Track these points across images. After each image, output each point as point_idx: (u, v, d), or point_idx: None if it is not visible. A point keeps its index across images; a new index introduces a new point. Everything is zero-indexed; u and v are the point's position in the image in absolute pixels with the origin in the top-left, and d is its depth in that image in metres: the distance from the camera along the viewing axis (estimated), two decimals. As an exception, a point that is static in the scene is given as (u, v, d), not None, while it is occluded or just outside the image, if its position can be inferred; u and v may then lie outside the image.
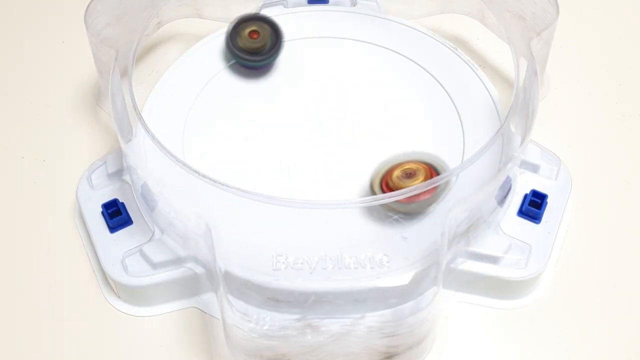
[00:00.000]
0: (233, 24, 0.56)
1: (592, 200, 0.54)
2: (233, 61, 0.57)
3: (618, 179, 0.55)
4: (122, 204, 0.50)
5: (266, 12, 0.60)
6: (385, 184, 0.47)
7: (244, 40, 0.55)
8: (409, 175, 0.46)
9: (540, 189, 0.51)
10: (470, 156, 0.46)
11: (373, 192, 0.47)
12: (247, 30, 0.56)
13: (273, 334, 0.43)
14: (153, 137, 0.47)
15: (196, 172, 0.45)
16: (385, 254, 0.46)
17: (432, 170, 0.47)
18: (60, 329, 0.49)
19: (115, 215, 0.50)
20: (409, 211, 0.47)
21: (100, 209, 0.50)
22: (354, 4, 0.61)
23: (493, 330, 0.49)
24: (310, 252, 0.46)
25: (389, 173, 0.47)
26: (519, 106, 0.49)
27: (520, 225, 0.50)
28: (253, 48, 0.55)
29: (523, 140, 0.48)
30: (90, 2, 0.52)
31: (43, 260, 0.52)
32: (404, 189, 0.44)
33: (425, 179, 0.46)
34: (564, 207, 0.51)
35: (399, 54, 0.58)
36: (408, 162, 0.47)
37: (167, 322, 0.49)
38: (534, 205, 0.50)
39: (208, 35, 0.59)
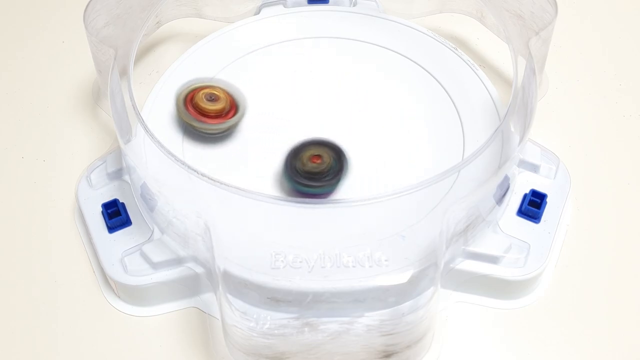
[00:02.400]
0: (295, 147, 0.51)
1: (592, 199, 0.54)
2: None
3: (617, 178, 0.55)
4: (122, 204, 0.50)
5: (266, 12, 0.60)
6: (190, 101, 0.51)
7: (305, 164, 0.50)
8: (213, 99, 0.51)
9: (540, 188, 0.51)
10: (470, 154, 0.46)
11: (177, 107, 0.51)
12: (308, 154, 0.50)
13: (272, 332, 0.43)
14: (153, 137, 0.47)
15: (195, 171, 0.45)
16: (384, 253, 0.46)
17: (232, 98, 0.51)
18: (60, 329, 0.49)
19: (115, 215, 0.50)
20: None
21: (100, 209, 0.50)
22: (353, 4, 0.61)
23: (492, 330, 0.49)
24: (309, 251, 0.46)
25: (194, 92, 0.51)
26: (518, 105, 0.49)
27: (519, 225, 0.50)
28: (314, 172, 0.50)
29: (522, 139, 0.48)
30: (90, 2, 0.52)
31: (43, 260, 0.52)
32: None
33: (226, 104, 0.51)
34: (563, 206, 0.51)
35: (399, 54, 0.58)
36: (212, 86, 0.52)
37: (167, 322, 0.49)
38: (533, 205, 0.50)
39: (208, 35, 0.59)
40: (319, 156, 0.50)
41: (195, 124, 0.51)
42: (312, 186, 0.49)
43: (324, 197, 0.49)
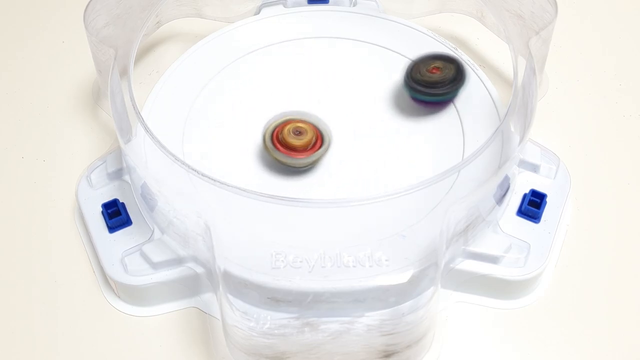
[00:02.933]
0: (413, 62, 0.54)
1: (592, 199, 0.54)
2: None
3: (617, 178, 0.55)
4: (122, 204, 0.50)
5: (266, 12, 0.60)
6: (276, 137, 0.50)
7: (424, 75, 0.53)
8: (299, 133, 0.50)
9: (540, 188, 0.51)
10: (470, 154, 0.46)
11: (264, 143, 0.51)
12: (430, 66, 0.53)
13: (272, 332, 0.43)
14: (153, 137, 0.47)
15: (196, 171, 0.45)
16: (384, 253, 0.46)
17: (317, 130, 0.51)
18: (60, 329, 0.49)
19: (115, 215, 0.50)
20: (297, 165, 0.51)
21: (100, 209, 0.50)
22: (353, 4, 0.61)
23: (492, 330, 0.49)
24: (309, 251, 0.46)
25: (279, 128, 0.51)
26: (518, 105, 0.49)
27: (519, 225, 0.50)
28: (433, 81, 0.53)
29: (522, 139, 0.48)
30: (90, 2, 0.52)
31: (43, 260, 0.52)
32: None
33: (312, 136, 0.50)
34: (563, 206, 0.51)
35: (399, 54, 0.58)
36: (296, 120, 0.51)
37: (167, 322, 0.49)
38: (533, 205, 0.50)
39: (208, 35, 0.59)
40: (437, 68, 0.53)
41: (284, 159, 0.51)
42: (432, 94, 0.53)
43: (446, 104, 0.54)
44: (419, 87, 0.53)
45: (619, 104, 0.59)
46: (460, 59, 0.54)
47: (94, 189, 0.51)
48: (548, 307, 0.49)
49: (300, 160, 0.50)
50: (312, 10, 0.61)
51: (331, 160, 0.52)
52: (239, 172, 0.51)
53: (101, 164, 0.52)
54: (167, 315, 0.49)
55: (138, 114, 0.48)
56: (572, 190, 0.52)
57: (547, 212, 0.50)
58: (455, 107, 0.54)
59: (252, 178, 0.51)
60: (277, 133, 0.51)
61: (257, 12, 0.61)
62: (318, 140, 0.51)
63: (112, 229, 0.50)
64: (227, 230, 0.45)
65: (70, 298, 0.50)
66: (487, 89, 0.55)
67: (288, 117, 0.51)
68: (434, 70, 0.53)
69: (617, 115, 0.58)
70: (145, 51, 0.61)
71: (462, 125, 0.53)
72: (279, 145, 0.50)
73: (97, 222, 0.50)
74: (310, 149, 0.51)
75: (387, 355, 0.45)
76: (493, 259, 0.48)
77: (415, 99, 0.54)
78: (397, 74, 0.56)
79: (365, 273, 0.45)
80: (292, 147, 0.50)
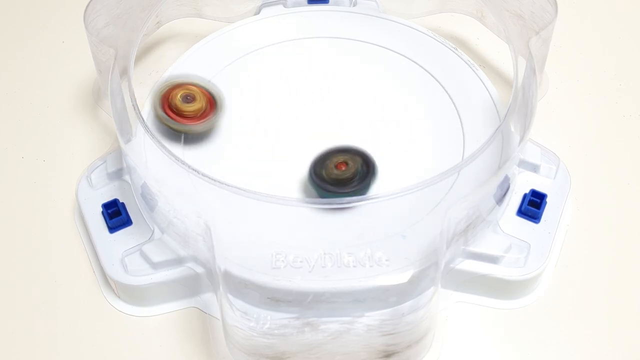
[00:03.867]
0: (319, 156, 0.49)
1: (592, 199, 0.54)
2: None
3: (617, 178, 0.55)
4: (122, 204, 0.50)
5: (266, 12, 0.60)
6: (167, 104, 0.50)
7: (331, 171, 0.49)
8: (189, 99, 0.51)
9: (540, 188, 0.51)
10: (470, 154, 0.46)
11: (155, 113, 0.50)
12: (334, 161, 0.49)
13: (272, 332, 0.43)
14: (153, 137, 0.47)
15: (196, 171, 0.45)
16: (384, 253, 0.46)
17: (209, 95, 0.51)
18: (60, 329, 0.49)
19: (115, 215, 0.50)
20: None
21: (100, 209, 0.50)
22: (353, 4, 0.61)
23: (492, 330, 0.49)
24: (310, 251, 0.46)
25: (168, 93, 0.51)
26: (518, 105, 0.49)
27: (519, 225, 0.50)
28: (341, 178, 0.49)
29: (522, 139, 0.48)
30: (90, 2, 0.52)
31: (43, 260, 0.52)
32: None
33: (204, 103, 0.51)
34: (563, 206, 0.51)
35: (399, 54, 0.58)
36: (186, 84, 0.51)
37: (167, 322, 0.49)
38: (533, 205, 0.50)
39: (208, 35, 0.59)
40: (344, 163, 0.49)
41: (173, 125, 0.51)
42: (340, 193, 0.48)
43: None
44: (327, 186, 0.48)
45: (619, 104, 0.59)
46: (365, 152, 0.49)
47: (94, 189, 0.51)
48: (548, 307, 0.49)
49: (193, 127, 0.51)
50: (312, 10, 0.61)
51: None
52: (239, 172, 0.51)
53: (101, 164, 0.52)
54: (167, 315, 0.49)
55: (138, 114, 0.48)
56: (572, 190, 0.52)
57: (547, 212, 0.50)
58: (455, 107, 0.54)
59: (252, 177, 0.51)
60: (167, 99, 0.51)
61: (257, 12, 0.61)
62: (210, 107, 0.51)
63: (112, 229, 0.50)
64: (227, 230, 0.45)
65: (70, 298, 0.50)
66: (487, 89, 0.55)
67: (177, 81, 0.51)
68: (340, 166, 0.49)
69: (617, 115, 0.58)
70: (145, 51, 0.61)
71: (462, 125, 0.53)
72: (169, 112, 0.50)
73: (97, 222, 0.50)
74: (202, 115, 0.51)
75: (387, 355, 0.45)
76: (493, 259, 0.48)
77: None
78: (397, 74, 0.57)
79: (365, 273, 0.45)
80: (182, 113, 0.50)
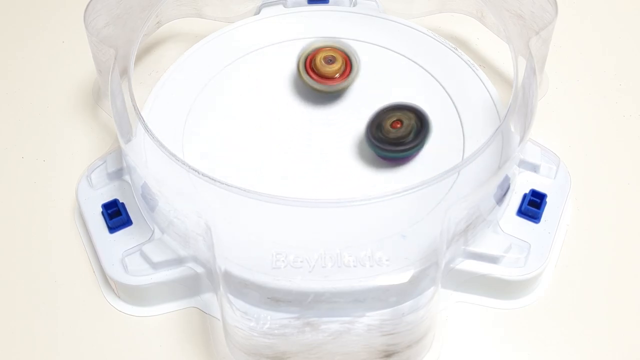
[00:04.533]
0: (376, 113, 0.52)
1: (592, 199, 0.54)
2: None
3: (617, 178, 0.55)
4: (122, 204, 0.50)
5: (266, 12, 0.60)
6: (310, 66, 0.54)
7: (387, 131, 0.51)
8: (330, 60, 0.54)
9: (540, 188, 0.51)
10: (470, 154, 0.46)
11: (298, 72, 0.54)
12: (390, 120, 0.51)
13: (273, 332, 0.43)
14: (153, 137, 0.47)
15: (196, 171, 0.45)
16: (385, 253, 0.46)
17: (346, 56, 0.54)
18: (60, 329, 0.49)
19: (115, 215, 0.50)
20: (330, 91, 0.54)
21: (100, 209, 0.50)
22: (353, 4, 0.61)
23: (492, 330, 0.49)
24: (310, 251, 0.46)
25: (311, 56, 0.54)
26: (518, 105, 0.49)
27: (519, 225, 0.50)
28: (396, 137, 0.50)
29: (522, 139, 0.48)
30: (90, 2, 0.52)
31: (43, 260, 0.52)
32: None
33: (343, 64, 0.54)
34: (563, 206, 0.51)
35: (399, 54, 0.58)
36: (327, 47, 0.54)
37: (167, 322, 0.49)
38: (533, 205, 0.50)
39: (208, 35, 0.59)
40: (399, 121, 0.51)
41: (317, 86, 0.54)
42: (397, 151, 0.51)
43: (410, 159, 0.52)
44: (385, 146, 0.50)
45: (619, 104, 0.59)
46: (419, 107, 0.51)
47: (94, 189, 0.51)
48: (548, 307, 0.49)
49: (333, 86, 0.54)
50: (312, 10, 0.61)
51: (331, 159, 0.52)
52: (239, 172, 0.51)
53: (101, 164, 0.52)
54: (167, 315, 0.49)
55: (138, 114, 0.48)
56: (572, 190, 0.52)
57: (547, 212, 0.50)
58: (455, 107, 0.54)
59: (252, 177, 0.51)
60: (309, 61, 0.54)
61: (257, 12, 0.61)
62: (347, 67, 0.54)
63: (112, 229, 0.50)
64: (227, 230, 0.45)
65: (70, 298, 0.50)
66: (487, 89, 0.55)
67: (319, 45, 0.55)
68: (395, 125, 0.51)
69: (617, 115, 0.58)
70: (145, 51, 0.61)
71: (462, 125, 0.53)
72: (311, 73, 0.54)
73: (97, 222, 0.50)
74: (340, 76, 0.54)
75: (388, 355, 0.45)
76: (493, 259, 0.48)
77: (384, 158, 0.52)
78: (397, 74, 0.57)
79: (365, 273, 0.45)
80: (324, 74, 0.54)
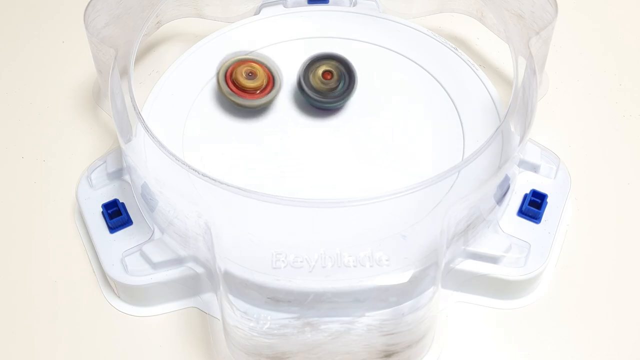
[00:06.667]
0: (306, 63, 0.54)
1: (592, 199, 0.54)
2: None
3: (617, 178, 0.55)
4: (122, 204, 0.50)
5: (266, 12, 0.60)
6: (230, 79, 0.53)
7: (317, 81, 0.53)
8: (251, 75, 0.53)
9: (540, 188, 0.51)
10: (470, 154, 0.46)
11: (217, 83, 0.53)
12: (320, 71, 0.53)
13: (273, 332, 0.43)
14: (153, 137, 0.47)
15: (196, 171, 0.45)
16: (385, 253, 0.46)
17: (268, 71, 0.54)
18: (60, 329, 0.49)
19: (116, 215, 0.50)
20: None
21: (101, 209, 0.50)
22: (353, 4, 0.61)
23: (492, 330, 0.49)
24: (310, 251, 0.46)
25: (232, 68, 0.53)
26: (518, 105, 0.49)
27: (519, 225, 0.50)
28: (326, 89, 0.53)
29: (522, 139, 0.48)
30: (90, 2, 0.52)
31: (43, 260, 0.52)
32: None
33: (264, 79, 0.53)
34: (563, 206, 0.51)
35: (399, 54, 0.58)
36: (249, 61, 0.54)
37: (167, 322, 0.49)
38: (534, 205, 0.50)
39: (208, 35, 0.59)
40: (329, 72, 0.53)
41: (235, 99, 0.53)
42: (326, 102, 0.53)
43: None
44: (313, 95, 0.53)
45: (619, 104, 0.59)
46: (346, 59, 0.54)
47: (94, 189, 0.51)
48: (548, 307, 0.49)
49: (253, 101, 0.53)
50: (312, 10, 0.61)
51: (330, 159, 0.52)
52: (239, 172, 0.51)
53: (101, 164, 0.52)
54: (167, 315, 0.49)
55: (138, 114, 0.48)
56: (572, 190, 0.52)
57: (548, 212, 0.50)
58: (455, 107, 0.54)
59: (252, 177, 0.51)
60: (230, 74, 0.53)
61: (257, 12, 0.61)
62: (269, 83, 0.53)
63: (112, 229, 0.50)
64: (227, 230, 0.45)
65: (70, 298, 0.50)
66: (487, 89, 0.55)
67: (240, 57, 0.54)
68: (326, 76, 0.53)
69: (617, 115, 0.58)
70: (145, 51, 0.61)
71: (462, 125, 0.53)
72: (232, 86, 0.53)
73: (97, 222, 0.50)
74: (262, 91, 0.53)
75: (388, 355, 0.45)
76: (493, 259, 0.48)
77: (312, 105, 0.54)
78: (397, 74, 0.56)
79: (365, 273, 0.45)
80: (245, 88, 0.53)
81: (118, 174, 0.52)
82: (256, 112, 0.54)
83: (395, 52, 0.58)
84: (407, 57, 0.57)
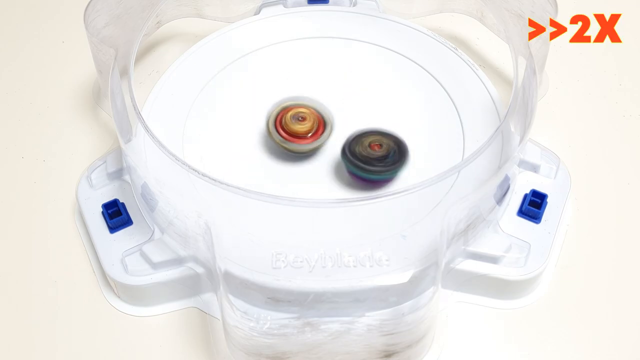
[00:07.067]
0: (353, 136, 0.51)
1: (592, 199, 0.54)
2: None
3: (617, 178, 0.55)
4: (122, 204, 0.50)
5: (266, 12, 0.60)
6: (279, 124, 0.51)
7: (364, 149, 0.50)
8: (300, 118, 0.51)
9: (540, 188, 0.51)
10: (470, 154, 0.46)
11: (268, 131, 0.51)
12: (368, 141, 0.50)
13: (273, 332, 0.43)
14: (153, 137, 0.47)
15: (196, 171, 0.45)
16: (385, 253, 0.46)
17: (318, 115, 0.51)
18: (60, 329, 0.49)
19: (116, 215, 0.50)
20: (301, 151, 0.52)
21: (101, 209, 0.50)
22: (353, 4, 0.61)
23: (492, 330, 0.49)
24: (310, 251, 0.46)
25: (281, 114, 0.51)
26: (518, 105, 0.49)
27: (519, 225, 0.50)
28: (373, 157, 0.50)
29: (522, 139, 0.48)
30: (90, 2, 0.52)
31: (43, 260, 0.52)
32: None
33: (314, 122, 0.51)
34: (563, 206, 0.51)
35: (399, 54, 0.58)
36: (298, 105, 0.52)
37: (167, 322, 0.49)
38: (534, 205, 0.50)
39: (208, 35, 0.59)
40: (379, 144, 0.50)
41: (287, 145, 0.51)
42: (372, 171, 0.49)
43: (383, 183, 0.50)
44: (357, 162, 0.49)
45: (619, 104, 0.59)
46: (398, 136, 0.51)
47: (94, 189, 0.51)
48: (548, 307, 0.49)
49: (304, 146, 0.51)
50: (312, 10, 0.61)
51: (330, 159, 0.52)
52: (239, 172, 0.51)
53: (101, 164, 0.52)
54: (167, 315, 0.49)
55: (138, 114, 0.48)
56: (572, 190, 0.52)
57: (548, 212, 0.50)
58: (455, 107, 0.54)
59: (252, 177, 0.51)
60: (280, 119, 0.51)
61: (257, 12, 0.61)
62: (320, 126, 0.51)
63: (112, 229, 0.50)
64: (227, 230, 0.45)
65: (70, 298, 0.50)
66: (487, 89, 0.55)
67: (290, 103, 0.52)
68: (374, 147, 0.50)
69: (617, 115, 0.58)
70: (145, 51, 0.61)
71: (462, 125, 0.53)
72: (281, 132, 0.51)
73: (97, 222, 0.50)
74: (313, 135, 0.51)
75: (388, 355, 0.45)
76: (493, 259, 0.48)
77: (352, 174, 0.50)
78: (397, 74, 0.57)
79: (365, 273, 0.45)
80: (295, 133, 0.51)
81: (118, 174, 0.52)
82: (256, 112, 0.54)
83: (395, 52, 0.58)
84: (407, 57, 0.57)
